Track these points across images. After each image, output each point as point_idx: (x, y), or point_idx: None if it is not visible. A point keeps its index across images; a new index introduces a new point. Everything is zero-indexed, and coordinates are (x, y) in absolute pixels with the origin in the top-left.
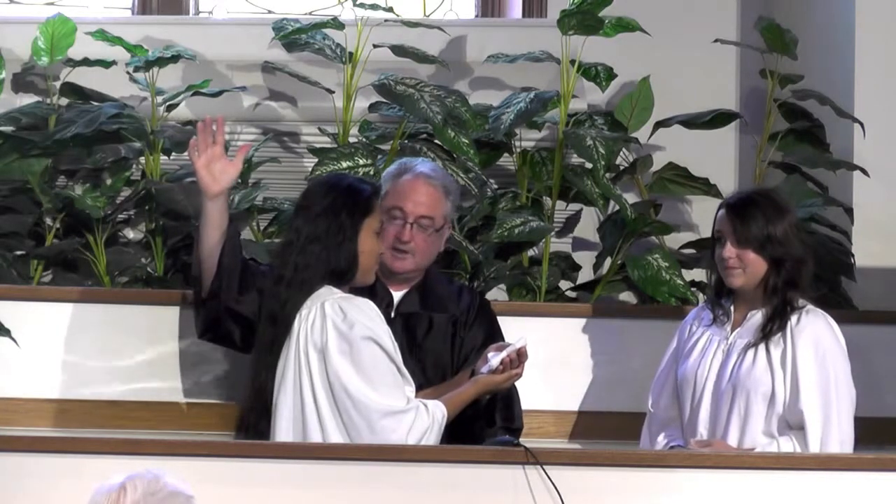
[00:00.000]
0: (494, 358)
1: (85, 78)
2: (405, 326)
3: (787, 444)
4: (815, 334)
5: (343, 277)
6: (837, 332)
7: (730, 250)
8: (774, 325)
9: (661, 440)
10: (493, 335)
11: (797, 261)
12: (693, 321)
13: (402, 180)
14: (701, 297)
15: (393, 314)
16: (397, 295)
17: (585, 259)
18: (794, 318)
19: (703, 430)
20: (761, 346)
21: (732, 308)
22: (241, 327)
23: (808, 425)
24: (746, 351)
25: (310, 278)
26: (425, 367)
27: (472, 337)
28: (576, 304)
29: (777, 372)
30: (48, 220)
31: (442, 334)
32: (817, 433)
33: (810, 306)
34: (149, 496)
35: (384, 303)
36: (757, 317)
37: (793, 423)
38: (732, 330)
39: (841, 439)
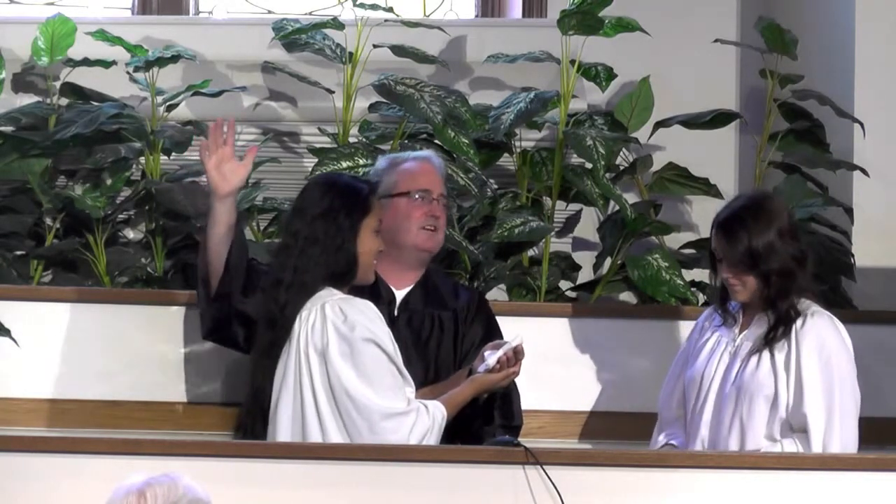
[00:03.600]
0: (491, 357)
1: (85, 78)
2: (408, 324)
3: (791, 447)
4: (820, 337)
5: (343, 279)
6: (843, 335)
7: (727, 270)
8: (778, 331)
9: (662, 439)
10: (492, 332)
11: (780, 272)
12: (705, 322)
13: (409, 165)
14: (701, 296)
15: (396, 312)
16: (399, 293)
17: (585, 259)
18: (798, 322)
19: (705, 431)
20: (766, 350)
21: (741, 311)
22: (245, 328)
23: (812, 428)
24: (751, 355)
25: (310, 281)
26: (430, 364)
27: (471, 333)
28: (576, 304)
29: (781, 375)
30: (48, 220)
31: (446, 331)
32: (820, 436)
33: (816, 308)
34: None
35: (386, 301)
36: (763, 320)
37: (796, 426)
38: (740, 332)
39: (843, 443)
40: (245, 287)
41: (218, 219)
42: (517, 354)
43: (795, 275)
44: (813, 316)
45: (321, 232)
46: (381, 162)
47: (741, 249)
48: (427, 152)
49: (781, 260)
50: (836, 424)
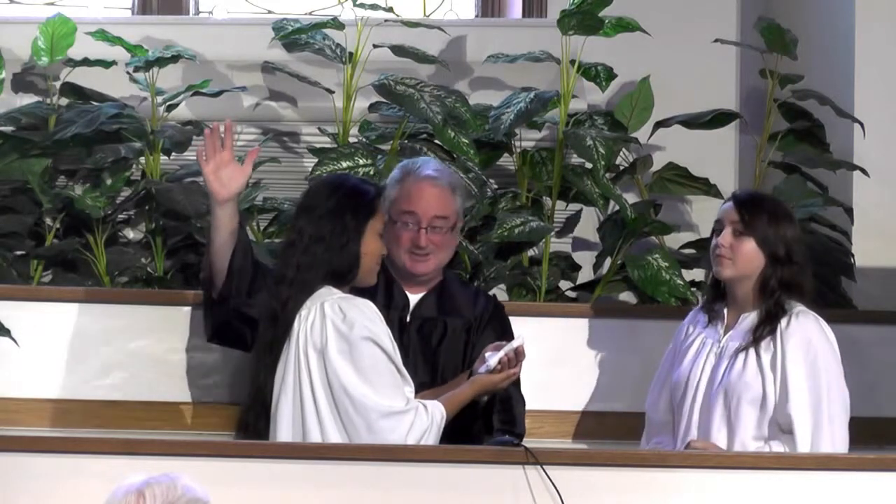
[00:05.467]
0: (492, 358)
1: (85, 78)
2: (419, 331)
3: (778, 448)
4: (806, 337)
5: (344, 279)
6: (829, 335)
7: (725, 238)
8: (765, 329)
9: (650, 447)
10: (504, 339)
11: (800, 266)
12: (689, 323)
13: (407, 185)
14: (700, 296)
15: (408, 318)
16: (414, 298)
17: (585, 259)
18: (784, 321)
19: (694, 433)
20: (752, 350)
21: (725, 311)
22: (251, 329)
23: (797, 429)
24: (737, 355)
25: (311, 279)
26: (438, 371)
27: (482, 341)
28: (576, 304)
29: (767, 375)
30: (48, 220)
31: (456, 340)
32: (807, 437)
33: (801, 308)
34: None
35: (400, 306)
36: (748, 320)
37: (783, 427)
38: (725, 333)
39: (832, 443)
40: (251, 289)
41: (219, 224)
42: (518, 355)
43: (808, 274)
44: (798, 316)
45: (327, 230)
46: (396, 171)
47: (762, 223)
48: (434, 171)
49: (799, 255)
50: (824, 425)
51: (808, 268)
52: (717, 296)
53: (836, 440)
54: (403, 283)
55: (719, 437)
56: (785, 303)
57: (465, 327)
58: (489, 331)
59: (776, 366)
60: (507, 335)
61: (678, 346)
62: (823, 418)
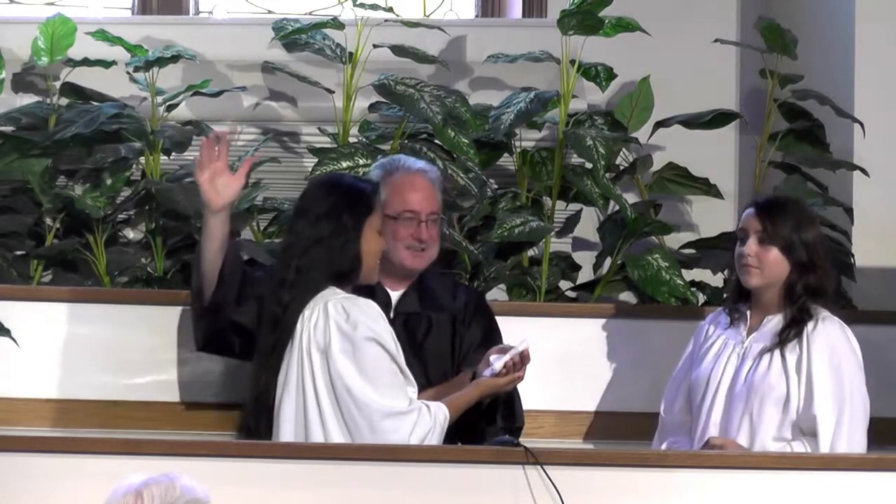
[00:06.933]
0: (497, 361)
1: (85, 78)
2: (405, 326)
3: (800, 449)
4: (831, 341)
5: (346, 278)
6: (853, 341)
7: (750, 248)
8: (791, 331)
9: (663, 447)
10: (492, 332)
11: (824, 270)
12: (710, 325)
13: (400, 181)
14: (701, 296)
15: (392, 314)
16: (395, 295)
17: (585, 259)
18: (810, 325)
19: (714, 431)
20: (776, 352)
21: (749, 312)
22: (240, 337)
23: (821, 431)
24: (762, 356)
25: (313, 280)
26: (427, 366)
27: (470, 334)
28: (576, 304)
29: (792, 377)
30: (48, 220)
31: (442, 333)
32: (828, 439)
33: (826, 313)
34: None
35: (382, 303)
36: (773, 322)
37: (805, 429)
38: (748, 334)
39: (849, 446)
40: (239, 296)
41: (212, 233)
42: (523, 359)
43: (833, 278)
44: (824, 321)
45: (325, 231)
46: (378, 170)
47: (785, 230)
48: (422, 164)
49: (823, 259)
50: (844, 429)
51: (831, 271)
52: (740, 298)
53: (855, 444)
54: (383, 280)
55: (740, 438)
56: (810, 307)
57: (450, 320)
58: (475, 324)
59: (801, 368)
60: (493, 328)
61: (697, 347)
62: (844, 422)
